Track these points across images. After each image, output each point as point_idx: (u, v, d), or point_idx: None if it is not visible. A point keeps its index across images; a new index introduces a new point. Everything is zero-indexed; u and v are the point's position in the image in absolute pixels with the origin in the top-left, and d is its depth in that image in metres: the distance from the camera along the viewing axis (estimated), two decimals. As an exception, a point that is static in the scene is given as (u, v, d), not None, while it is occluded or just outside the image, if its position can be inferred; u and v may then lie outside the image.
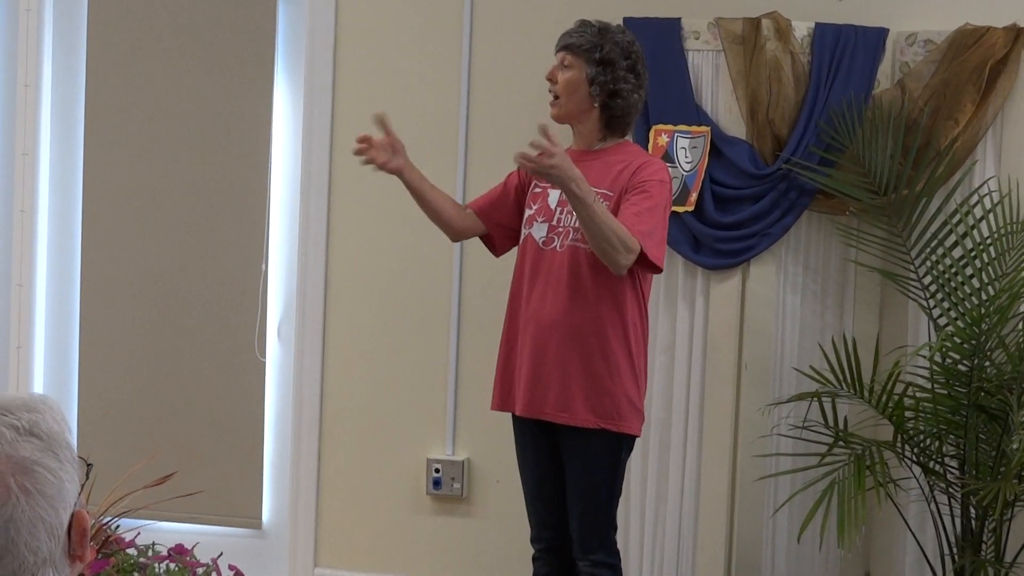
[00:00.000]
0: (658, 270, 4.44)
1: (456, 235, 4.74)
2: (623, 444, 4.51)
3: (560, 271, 4.43)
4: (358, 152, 4.45)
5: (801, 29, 5.18)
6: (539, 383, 4.44)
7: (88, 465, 2.02)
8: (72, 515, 1.94)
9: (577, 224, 4.34)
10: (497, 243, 4.74)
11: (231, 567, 4.36)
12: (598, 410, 4.41)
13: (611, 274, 4.33)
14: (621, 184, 4.41)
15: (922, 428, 4.89)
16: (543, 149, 4.06)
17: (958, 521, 4.88)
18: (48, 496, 1.90)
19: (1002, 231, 4.97)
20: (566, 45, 4.51)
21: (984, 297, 4.84)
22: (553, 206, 4.49)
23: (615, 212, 4.32)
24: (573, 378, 4.40)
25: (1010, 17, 5.12)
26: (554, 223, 4.48)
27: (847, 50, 5.15)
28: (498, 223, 4.69)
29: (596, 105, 4.48)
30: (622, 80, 4.47)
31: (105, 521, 4.27)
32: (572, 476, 4.51)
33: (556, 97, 4.51)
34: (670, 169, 4.66)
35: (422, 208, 4.60)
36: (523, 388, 4.48)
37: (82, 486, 1.99)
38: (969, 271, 4.94)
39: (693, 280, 5.32)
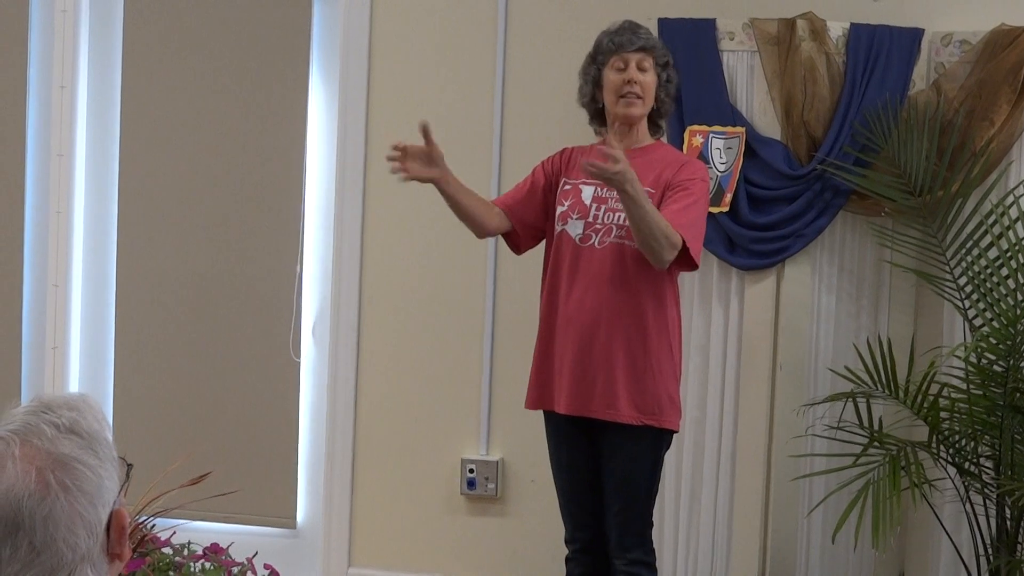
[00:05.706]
0: (694, 267, 4.47)
1: (484, 233, 4.73)
2: (663, 439, 4.53)
3: (601, 268, 4.44)
4: (391, 158, 4.45)
5: (836, 29, 5.17)
6: (583, 381, 4.45)
7: (128, 465, 2.02)
8: (111, 513, 1.95)
9: (620, 222, 4.39)
10: (521, 241, 4.73)
11: (266, 566, 4.38)
12: (641, 406, 4.43)
13: (653, 271, 4.37)
14: (664, 181, 4.45)
15: (957, 429, 4.87)
16: (609, 157, 4.12)
17: (993, 522, 4.86)
18: (87, 493, 1.90)
19: (1038, 232, 4.95)
20: (645, 47, 4.54)
21: (1020, 297, 4.82)
22: (588, 202, 4.51)
23: (657, 208, 4.34)
24: (617, 375, 4.41)
25: (1046, 17, 5.10)
26: (590, 220, 4.48)
27: (882, 51, 5.13)
28: (525, 222, 4.68)
29: (654, 107, 4.56)
30: (676, 83, 4.63)
31: (141, 520, 4.29)
32: (611, 473, 4.51)
33: (637, 97, 4.52)
34: (704, 170, 4.69)
35: (453, 210, 4.59)
36: (567, 386, 4.49)
37: (122, 486, 1.99)
38: (1004, 272, 4.92)
39: (728, 280, 5.32)
